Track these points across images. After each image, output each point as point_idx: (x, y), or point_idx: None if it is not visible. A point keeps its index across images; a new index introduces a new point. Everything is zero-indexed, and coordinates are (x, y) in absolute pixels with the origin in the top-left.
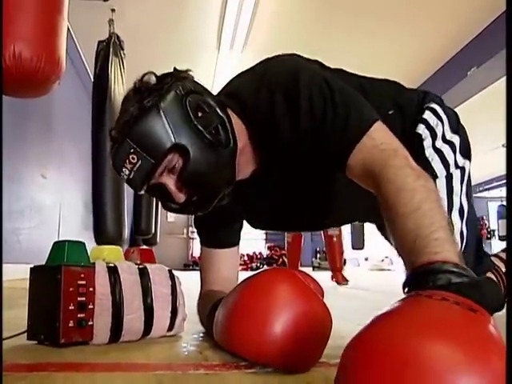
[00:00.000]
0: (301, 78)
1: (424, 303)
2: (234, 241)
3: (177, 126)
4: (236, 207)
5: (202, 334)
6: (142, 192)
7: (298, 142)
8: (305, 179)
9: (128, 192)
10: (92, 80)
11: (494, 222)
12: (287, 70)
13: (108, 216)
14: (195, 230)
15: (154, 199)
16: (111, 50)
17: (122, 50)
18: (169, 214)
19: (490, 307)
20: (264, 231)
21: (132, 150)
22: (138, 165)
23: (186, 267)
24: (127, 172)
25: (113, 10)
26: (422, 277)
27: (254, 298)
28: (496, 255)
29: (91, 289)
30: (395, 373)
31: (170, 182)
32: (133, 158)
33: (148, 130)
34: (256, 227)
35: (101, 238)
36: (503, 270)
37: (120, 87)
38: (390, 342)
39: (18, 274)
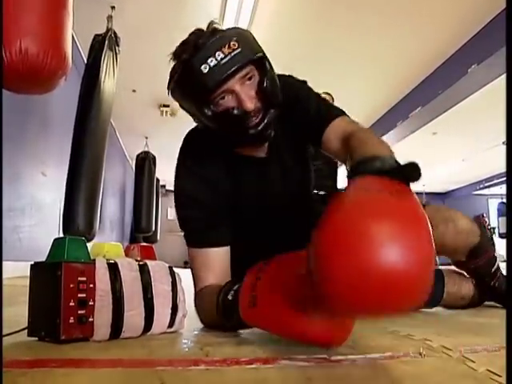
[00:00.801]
0: (311, 88)
1: (368, 195)
2: (226, 239)
3: (261, 50)
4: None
5: (202, 331)
6: (218, 87)
7: (303, 118)
8: (295, 173)
9: (128, 190)
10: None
11: (495, 220)
12: (300, 82)
13: (80, 207)
14: (186, 231)
15: (155, 197)
16: (106, 43)
17: (118, 45)
18: (169, 212)
19: (411, 180)
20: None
21: (235, 38)
22: (236, 51)
23: (187, 264)
24: (221, 56)
25: (113, 8)
26: (362, 163)
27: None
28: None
29: (91, 285)
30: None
31: (243, 90)
32: (234, 45)
33: (247, 36)
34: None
35: (69, 228)
36: None
37: (111, 81)
38: (349, 222)
39: (18, 272)
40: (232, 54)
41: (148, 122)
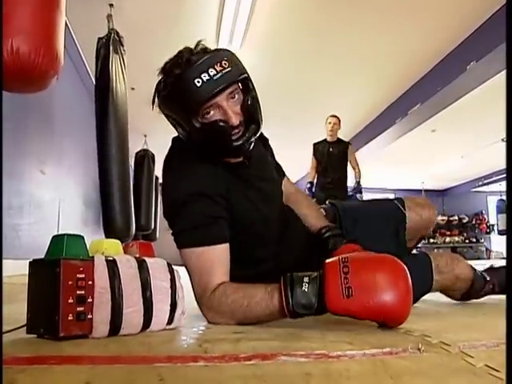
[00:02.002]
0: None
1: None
2: (227, 235)
3: (246, 71)
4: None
5: (201, 328)
6: (208, 101)
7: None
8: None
9: None
10: (91, 76)
11: (494, 217)
12: None
13: (116, 212)
14: (187, 231)
15: (154, 195)
16: (111, 48)
17: (122, 46)
18: None
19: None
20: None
21: (226, 58)
22: (227, 70)
23: None
24: (213, 73)
25: (111, 5)
26: (329, 230)
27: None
28: None
29: (90, 282)
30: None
31: (229, 106)
32: (225, 64)
33: (235, 58)
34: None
35: (110, 233)
36: None
37: (121, 85)
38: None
39: (17, 270)
40: (223, 72)
41: (147, 120)
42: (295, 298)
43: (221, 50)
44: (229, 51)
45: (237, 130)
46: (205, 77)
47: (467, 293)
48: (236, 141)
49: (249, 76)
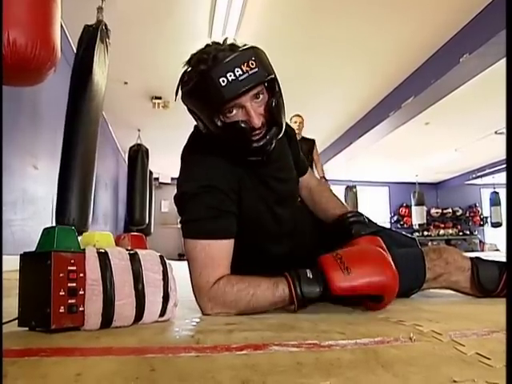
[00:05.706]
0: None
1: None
2: (235, 230)
3: (273, 72)
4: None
5: (194, 319)
6: (232, 101)
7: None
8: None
9: (121, 183)
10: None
11: (487, 209)
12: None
13: (73, 201)
14: (196, 222)
15: (148, 190)
16: (98, 35)
17: (108, 38)
18: (163, 204)
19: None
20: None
21: (254, 58)
22: (254, 71)
23: (181, 257)
24: (239, 73)
25: None
26: (354, 216)
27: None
28: None
29: (82, 274)
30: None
31: (253, 107)
32: (252, 64)
33: (263, 57)
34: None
35: (63, 223)
36: None
37: (101, 73)
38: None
39: (11, 266)
40: (249, 73)
41: (140, 114)
42: (303, 285)
43: (250, 48)
44: (258, 49)
45: (258, 132)
46: (230, 76)
47: (479, 283)
48: (256, 142)
49: (275, 76)
